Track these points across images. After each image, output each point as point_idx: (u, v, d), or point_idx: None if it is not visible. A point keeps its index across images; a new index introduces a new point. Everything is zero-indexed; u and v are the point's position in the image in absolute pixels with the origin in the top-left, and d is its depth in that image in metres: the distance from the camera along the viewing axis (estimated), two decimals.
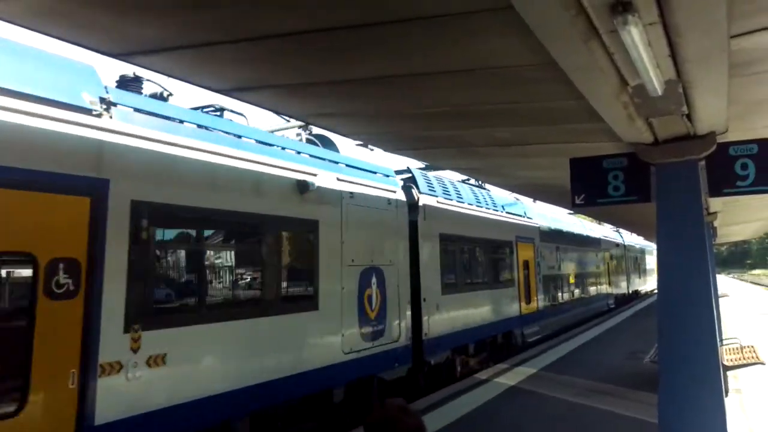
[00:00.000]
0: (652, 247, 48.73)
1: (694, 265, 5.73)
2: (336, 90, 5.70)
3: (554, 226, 21.68)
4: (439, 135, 7.56)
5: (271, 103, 6.27)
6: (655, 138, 5.81)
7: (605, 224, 32.22)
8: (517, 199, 18.68)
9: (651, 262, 48.40)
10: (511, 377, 12.21)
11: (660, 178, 5.99)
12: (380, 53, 4.70)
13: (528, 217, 18.87)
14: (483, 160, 9.31)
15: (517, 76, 5.07)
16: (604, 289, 29.29)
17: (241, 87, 5.67)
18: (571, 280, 23.17)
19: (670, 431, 5.61)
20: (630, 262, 38.06)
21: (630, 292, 36.96)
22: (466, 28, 4.11)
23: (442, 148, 8.50)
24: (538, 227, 19.42)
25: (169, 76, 5.33)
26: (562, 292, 21.78)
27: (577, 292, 23.87)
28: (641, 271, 43.26)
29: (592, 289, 26.61)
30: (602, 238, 30.10)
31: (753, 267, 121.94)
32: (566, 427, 8.67)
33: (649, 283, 45.31)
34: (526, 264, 17.70)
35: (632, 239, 40.52)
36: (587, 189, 6.51)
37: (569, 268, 23.02)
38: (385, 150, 9.10)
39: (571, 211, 24.26)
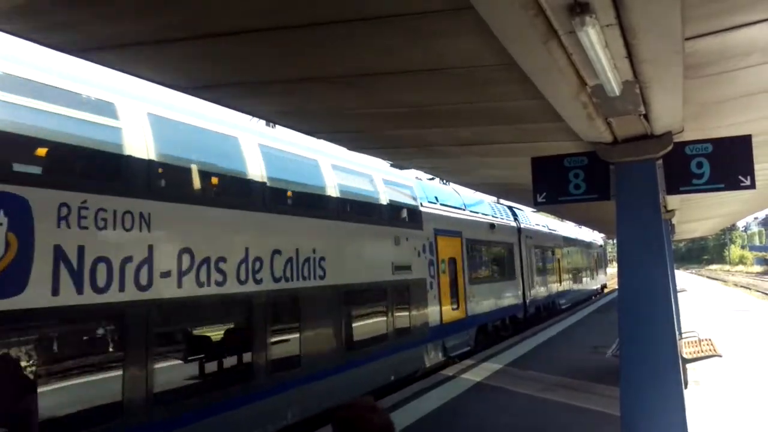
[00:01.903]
0: (591, 238, 38.79)
1: (653, 260, 5.85)
2: (296, 89, 5.64)
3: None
4: (402, 134, 7.55)
5: (231, 101, 6.17)
6: (614, 137, 5.90)
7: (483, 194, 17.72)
8: None
9: (587, 259, 36.36)
10: (478, 373, 12.30)
11: (619, 177, 6.10)
12: (341, 52, 4.66)
13: None
14: (447, 160, 9.34)
15: (478, 77, 5.08)
16: (400, 323, 12.17)
17: (200, 85, 5.57)
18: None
19: (632, 423, 5.73)
20: (532, 259, 22.39)
21: (529, 311, 21.31)
22: (427, 28, 4.10)
23: (406, 148, 8.50)
24: None
25: (126, 73, 5.19)
26: None
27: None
28: (563, 272, 27.85)
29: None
30: (426, 210, 13.93)
31: (710, 262, 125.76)
32: (532, 421, 8.76)
33: (579, 289, 31.97)
34: None
35: (541, 221, 25.93)
36: (549, 187, 6.59)
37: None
38: (348, 149, 9.06)
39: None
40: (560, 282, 27.24)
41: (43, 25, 4.24)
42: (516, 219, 21.66)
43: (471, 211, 17.18)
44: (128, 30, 4.31)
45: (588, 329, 19.58)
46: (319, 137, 8.34)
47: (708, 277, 72.33)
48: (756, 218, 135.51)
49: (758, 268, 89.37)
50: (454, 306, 14.67)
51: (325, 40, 4.37)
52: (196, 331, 7.87)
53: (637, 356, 5.81)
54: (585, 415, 8.90)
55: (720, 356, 10.64)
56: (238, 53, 4.73)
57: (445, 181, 15.88)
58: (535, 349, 15.66)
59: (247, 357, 8.08)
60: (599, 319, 22.66)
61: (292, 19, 4.06)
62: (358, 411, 2.33)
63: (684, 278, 58.16)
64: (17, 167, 5.79)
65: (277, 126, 9.19)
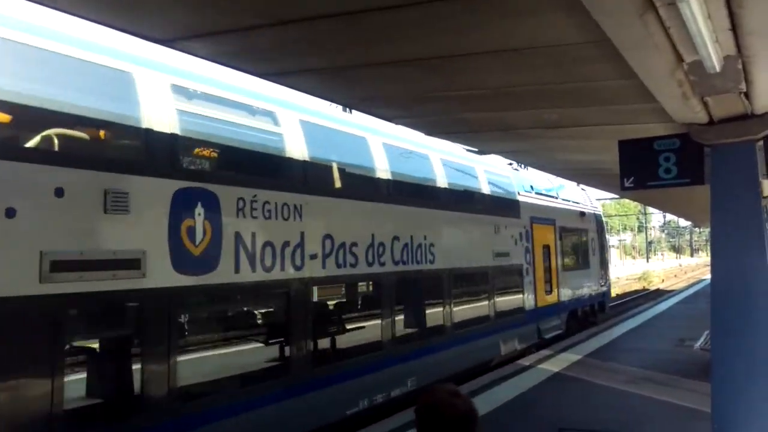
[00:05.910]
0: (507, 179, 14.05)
1: (750, 248, 5.53)
2: (378, 73, 5.65)
3: None
4: (483, 117, 7.44)
5: (312, 87, 6.26)
6: (710, 118, 5.58)
7: None
8: None
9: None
10: (555, 363, 12.04)
11: (715, 160, 5.77)
12: (423, 33, 4.61)
13: None
14: (528, 143, 9.13)
15: (566, 55, 4.93)
16: None
17: (284, 71, 5.67)
18: None
19: (725, 421, 5.46)
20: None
21: None
22: (513, 5, 4.00)
23: (486, 131, 8.37)
24: None
25: (212, 61, 5.35)
26: None
27: None
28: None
29: None
30: None
31: None
32: (614, 415, 8.49)
33: None
34: None
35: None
36: (637, 172, 6.31)
37: None
38: (426, 134, 9.02)
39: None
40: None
41: (129, 15, 4.40)
42: None
43: None
44: (213, 18, 4.42)
45: (672, 320, 18.79)
46: (397, 122, 8.33)
47: None
48: None
49: None
50: None
51: (409, 21, 4.34)
52: None
53: (731, 350, 5.53)
54: (672, 410, 8.54)
55: None
56: (320, 38, 4.78)
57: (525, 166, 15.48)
58: (615, 340, 15.18)
59: None
60: (685, 309, 21.70)
61: (375, 2, 4.04)
62: (442, 396, 2.30)
63: None
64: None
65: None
